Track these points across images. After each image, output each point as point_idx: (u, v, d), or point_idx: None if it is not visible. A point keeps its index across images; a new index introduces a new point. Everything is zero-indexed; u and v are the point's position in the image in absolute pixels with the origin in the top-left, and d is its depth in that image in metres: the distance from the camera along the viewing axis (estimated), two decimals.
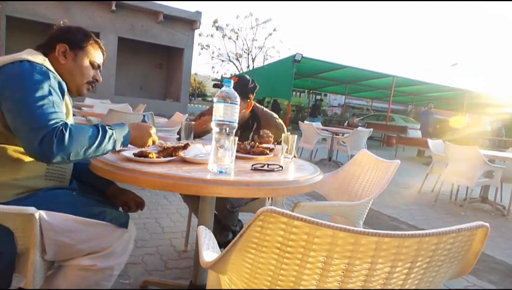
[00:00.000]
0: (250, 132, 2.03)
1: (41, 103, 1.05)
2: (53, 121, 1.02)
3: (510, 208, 4.27)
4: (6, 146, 1.10)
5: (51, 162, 1.02)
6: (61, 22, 1.38)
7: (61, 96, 1.16)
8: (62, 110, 1.14)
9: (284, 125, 2.08)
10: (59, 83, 1.18)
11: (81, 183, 1.43)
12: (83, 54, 1.32)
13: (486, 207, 4.52)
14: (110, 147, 1.13)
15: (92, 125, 1.13)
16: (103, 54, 1.41)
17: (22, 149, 1.11)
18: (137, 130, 1.26)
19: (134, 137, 1.24)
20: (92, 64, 1.35)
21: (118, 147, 1.17)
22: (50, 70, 1.17)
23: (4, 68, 1.09)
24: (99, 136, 1.09)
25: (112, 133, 1.13)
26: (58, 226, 1.06)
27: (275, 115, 2.10)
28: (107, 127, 1.13)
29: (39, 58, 1.17)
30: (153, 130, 1.29)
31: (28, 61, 1.12)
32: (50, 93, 1.09)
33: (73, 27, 1.34)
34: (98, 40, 1.38)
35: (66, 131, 1.01)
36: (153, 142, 1.30)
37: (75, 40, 1.31)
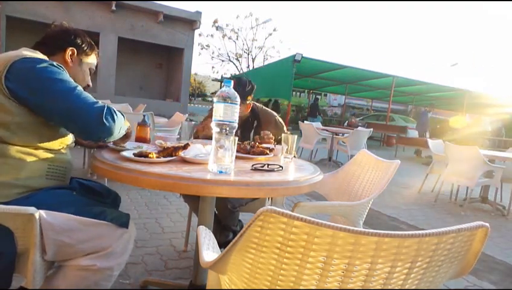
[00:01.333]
0: (250, 131, 2.05)
1: (77, 90, 1.13)
2: (98, 102, 1.14)
3: (510, 208, 4.27)
4: (9, 146, 1.10)
5: (111, 136, 1.16)
6: (62, 23, 1.41)
7: None
8: None
9: (283, 123, 2.10)
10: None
11: (81, 182, 1.44)
12: (87, 60, 1.40)
13: (486, 207, 4.52)
14: (123, 127, 1.27)
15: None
16: (97, 59, 1.49)
17: (24, 149, 1.12)
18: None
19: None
20: (91, 70, 1.43)
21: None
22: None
23: (14, 67, 1.09)
24: (124, 117, 1.26)
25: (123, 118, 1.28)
26: (58, 225, 1.06)
27: (275, 113, 2.13)
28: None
29: (40, 55, 1.21)
30: None
31: (33, 57, 1.15)
32: (70, 79, 1.17)
33: (80, 32, 1.39)
34: (96, 47, 1.45)
35: (113, 109, 1.16)
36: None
37: (83, 46, 1.37)
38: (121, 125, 1.20)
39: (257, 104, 2.11)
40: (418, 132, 11.32)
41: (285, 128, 2.10)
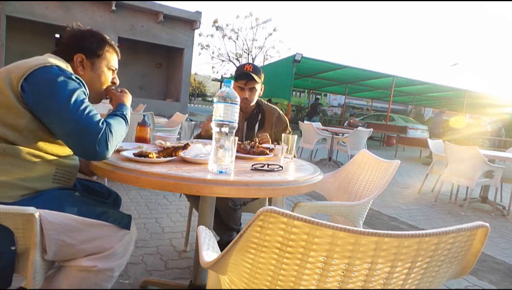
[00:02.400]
0: (255, 123, 2.15)
1: (84, 106, 1.10)
2: (100, 123, 1.11)
3: (510, 208, 4.27)
4: (21, 147, 1.10)
5: (104, 159, 1.14)
6: (74, 25, 1.35)
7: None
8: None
9: (286, 117, 2.20)
10: (84, 86, 1.20)
11: (83, 183, 1.44)
12: (100, 62, 1.33)
13: (486, 207, 4.52)
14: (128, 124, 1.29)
15: (114, 114, 1.25)
16: (118, 56, 1.42)
17: (35, 152, 1.12)
18: (118, 98, 1.37)
19: (126, 102, 1.37)
20: (109, 69, 1.37)
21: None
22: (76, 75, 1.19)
23: (34, 74, 1.09)
24: (126, 121, 1.26)
25: (126, 114, 1.29)
26: (60, 225, 1.06)
27: (278, 108, 2.23)
28: (123, 113, 1.28)
29: (62, 64, 1.20)
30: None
31: (56, 66, 1.14)
32: (85, 95, 1.16)
33: (87, 33, 1.33)
34: (112, 42, 1.38)
35: (111, 130, 1.13)
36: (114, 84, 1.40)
37: (92, 48, 1.31)
38: (116, 143, 1.17)
39: (261, 99, 2.22)
40: (430, 132, 11.10)
41: (287, 122, 2.19)
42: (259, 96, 2.16)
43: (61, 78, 1.11)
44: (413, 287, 0.66)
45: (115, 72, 1.41)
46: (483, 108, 15.45)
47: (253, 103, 2.13)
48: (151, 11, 13.27)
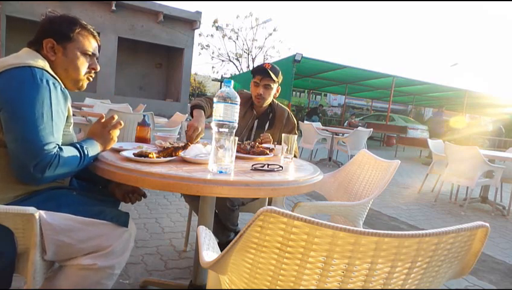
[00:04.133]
0: (266, 121, 2.15)
1: (40, 123, 1.05)
2: (49, 148, 1.05)
3: (510, 208, 4.27)
4: (6, 149, 1.08)
5: (35, 184, 1.08)
6: (47, 11, 1.29)
7: (63, 107, 1.15)
8: (60, 127, 1.13)
9: (295, 119, 2.22)
10: (62, 92, 1.15)
11: (80, 181, 1.43)
12: (72, 46, 1.23)
13: (486, 207, 4.52)
14: (86, 164, 1.19)
15: (76, 146, 1.16)
16: (96, 40, 1.31)
17: None
18: (96, 134, 1.28)
19: (100, 143, 1.27)
20: (84, 54, 1.26)
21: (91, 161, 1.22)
22: (52, 76, 1.14)
23: (5, 74, 1.06)
24: (83, 159, 1.16)
25: (88, 153, 1.19)
26: (58, 226, 1.06)
27: (288, 109, 2.25)
28: (85, 150, 1.18)
29: (39, 62, 1.14)
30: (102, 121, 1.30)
31: (30, 66, 1.09)
32: (50, 108, 1.08)
33: (56, 17, 1.25)
34: (87, 25, 1.28)
35: (59, 159, 1.06)
36: (114, 126, 1.30)
37: (61, 31, 1.21)
38: (61, 173, 1.09)
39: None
40: (431, 132, 11.02)
41: (296, 123, 2.20)
42: (274, 98, 2.15)
43: (30, 83, 1.05)
44: (413, 287, 0.66)
45: (94, 57, 1.31)
46: (483, 108, 15.44)
47: (267, 103, 2.11)
48: (151, 11, 13.27)
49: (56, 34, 1.21)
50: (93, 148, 1.23)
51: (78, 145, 1.17)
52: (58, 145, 1.10)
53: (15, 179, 1.10)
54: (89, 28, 1.29)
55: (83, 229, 1.11)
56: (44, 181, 1.07)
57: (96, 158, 1.24)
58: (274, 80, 2.02)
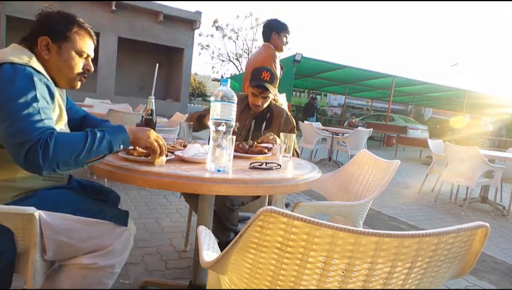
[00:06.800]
0: (263, 121, 2.17)
1: (25, 112, 0.98)
2: (38, 132, 0.96)
3: (510, 208, 4.27)
4: (2, 149, 1.06)
5: (41, 174, 0.99)
6: (43, 7, 1.23)
7: (50, 101, 1.10)
8: (50, 115, 1.06)
9: (293, 119, 2.23)
10: (47, 87, 1.10)
11: (80, 181, 1.43)
12: (68, 45, 1.19)
13: (486, 207, 4.52)
14: (104, 149, 1.05)
15: (84, 130, 1.06)
16: (92, 40, 1.27)
17: None
18: (137, 130, 1.17)
19: (134, 137, 1.14)
20: (79, 54, 1.22)
21: (116, 148, 1.09)
22: (37, 71, 1.09)
23: None
24: (88, 140, 1.02)
25: (104, 135, 1.05)
26: (57, 226, 1.06)
27: (286, 109, 2.26)
28: (96, 130, 1.06)
29: (24, 58, 1.09)
30: (152, 131, 1.20)
31: (11, 63, 1.04)
32: (35, 99, 1.02)
33: (53, 13, 1.20)
34: (84, 24, 1.24)
35: (51, 141, 0.96)
36: (157, 142, 1.16)
37: (57, 30, 1.17)
38: (62, 160, 0.98)
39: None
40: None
41: (295, 123, 2.21)
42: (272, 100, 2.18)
43: (10, 78, 1.02)
44: (413, 287, 0.66)
45: (89, 58, 1.27)
46: (483, 108, 15.44)
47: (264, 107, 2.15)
48: (151, 11, 13.27)
49: (52, 32, 1.17)
50: (114, 131, 1.09)
51: (88, 129, 1.06)
52: (53, 129, 1.01)
53: (13, 178, 1.10)
54: (86, 26, 1.25)
55: (83, 229, 1.11)
56: (43, 168, 0.96)
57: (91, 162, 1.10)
58: (272, 92, 2.06)
